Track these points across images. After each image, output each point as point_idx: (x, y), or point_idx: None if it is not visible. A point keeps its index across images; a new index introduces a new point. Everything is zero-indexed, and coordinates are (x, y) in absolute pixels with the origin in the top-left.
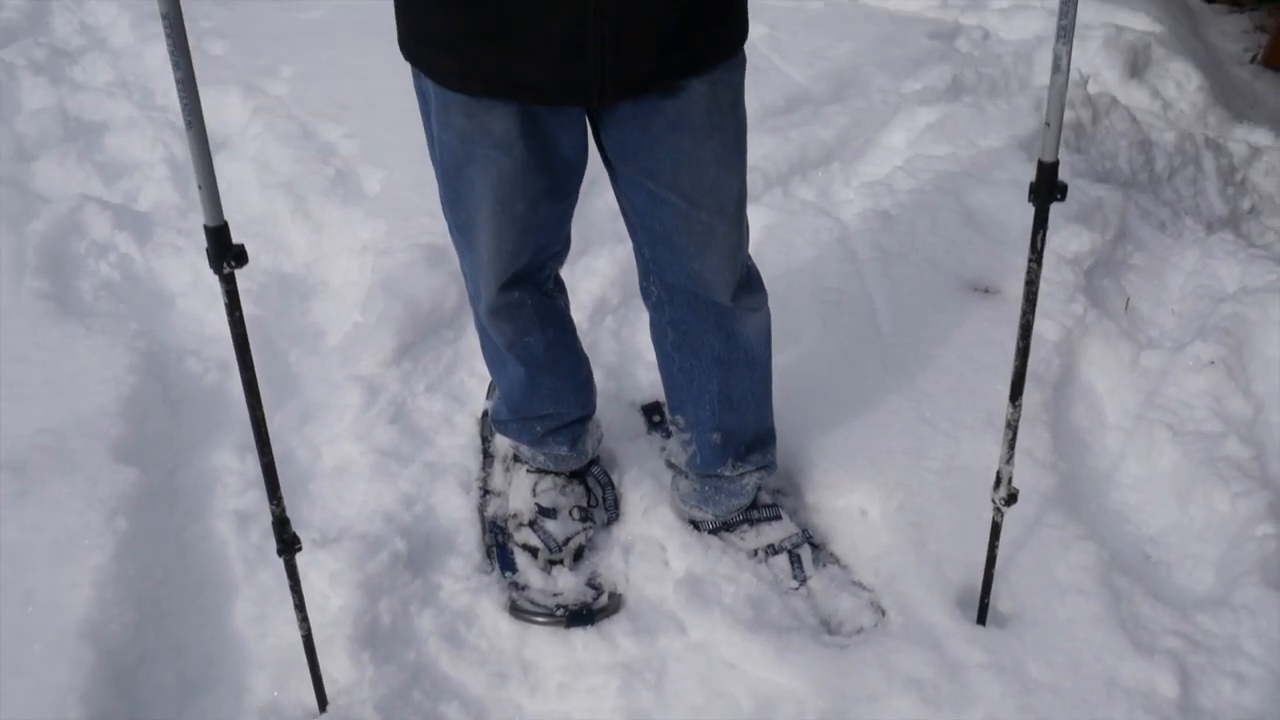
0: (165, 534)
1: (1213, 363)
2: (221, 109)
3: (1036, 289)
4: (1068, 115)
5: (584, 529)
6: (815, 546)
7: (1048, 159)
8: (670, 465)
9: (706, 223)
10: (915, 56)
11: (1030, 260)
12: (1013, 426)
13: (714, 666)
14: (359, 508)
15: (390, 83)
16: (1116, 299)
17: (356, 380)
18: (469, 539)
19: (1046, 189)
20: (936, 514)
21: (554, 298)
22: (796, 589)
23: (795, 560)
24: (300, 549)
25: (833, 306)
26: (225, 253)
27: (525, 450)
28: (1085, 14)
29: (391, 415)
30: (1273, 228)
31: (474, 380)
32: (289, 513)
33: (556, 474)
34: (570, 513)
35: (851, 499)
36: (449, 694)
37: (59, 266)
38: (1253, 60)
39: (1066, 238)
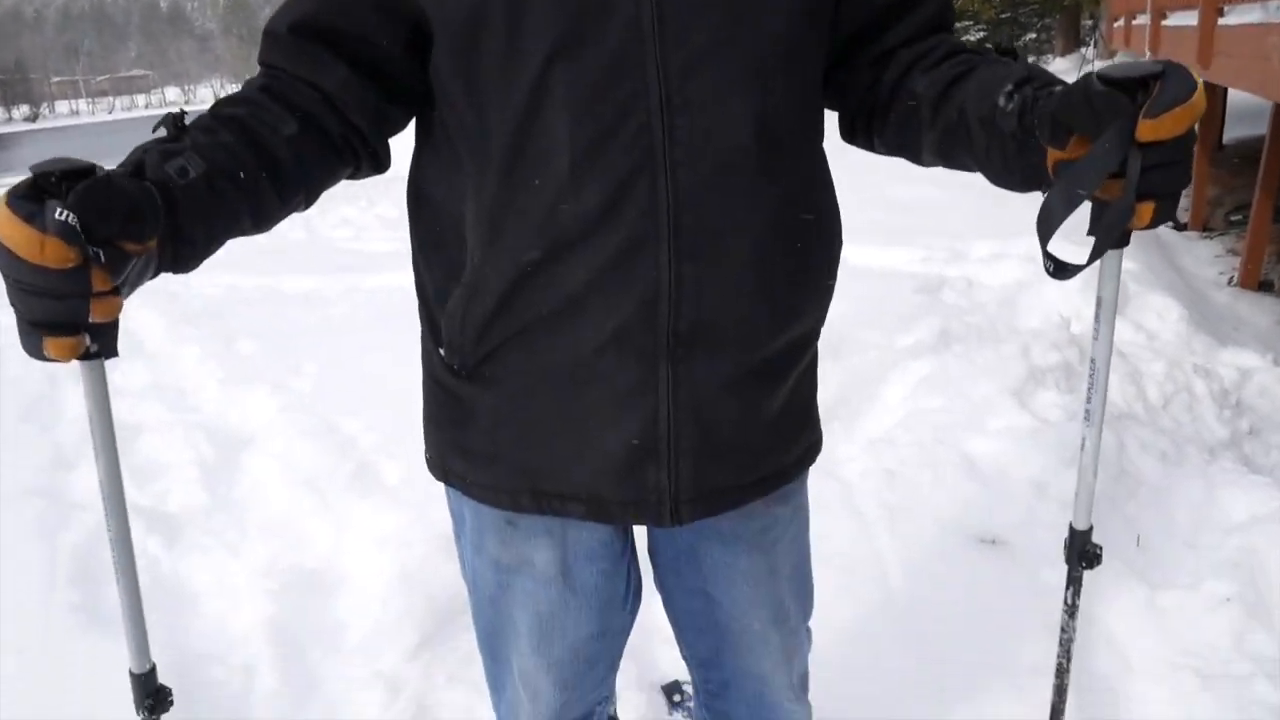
0: None
1: (1229, 600)
2: (249, 407)
3: (1070, 650)
4: (1054, 358)
5: None
6: None
7: (1080, 525)
8: None
9: (760, 632)
10: (904, 312)
11: (1064, 617)
12: None
13: None
14: None
15: (408, 375)
16: (1126, 538)
17: (378, 676)
18: None
19: (1078, 555)
20: None
21: None
22: None
23: None
24: None
25: (844, 572)
26: (146, 698)
27: None
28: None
29: (413, 713)
30: (1276, 445)
31: None
32: None
33: None
34: None
35: None
36: None
37: (90, 576)
38: (1229, 283)
39: (1067, 483)
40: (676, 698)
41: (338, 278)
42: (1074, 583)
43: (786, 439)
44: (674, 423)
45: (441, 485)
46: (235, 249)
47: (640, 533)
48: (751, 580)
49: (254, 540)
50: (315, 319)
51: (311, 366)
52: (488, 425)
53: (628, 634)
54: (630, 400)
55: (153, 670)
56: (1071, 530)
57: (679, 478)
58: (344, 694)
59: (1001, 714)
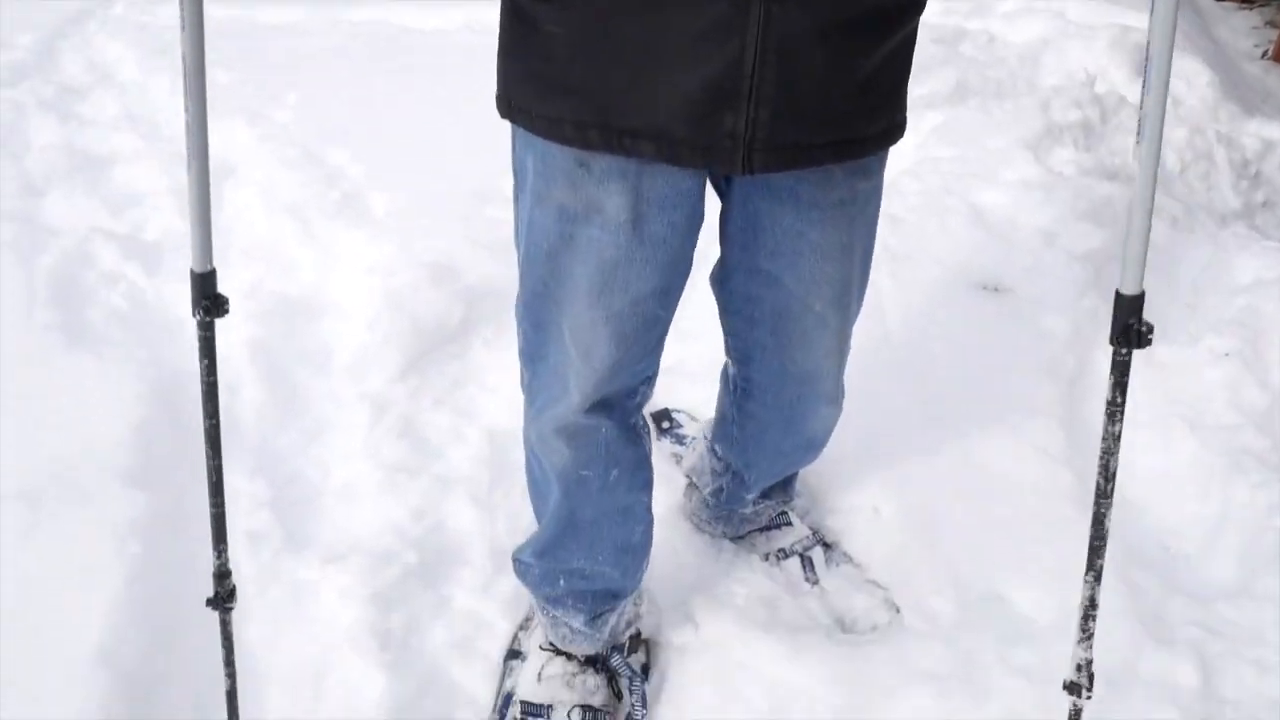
0: (176, 558)
1: (1228, 354)
2: (226, 137)
3: (1116, 446)
4: (1074, 115)
5: None
6: (827, 546)
7: (1127, 290)
8: (689, 481)
9: (819, 314)
10: (920, 61)
11: (1107, 416)
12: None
13: (726, 666)
14: (369, 523)
15: (394, 107)
16: None
17: (364, 398)
18: (479, 551)
19: (1123, 329)
20: (949, 512)
21: (637, 435)
22: (810, 590)
23: (807, 563)
24: (232, 607)
25: None
26: (204, 299)
27: (540, 612)
28: (1090, 15)
29: (400, 430)
30: None
31: (483, 394)
32: (298, 530)
33: (569, 656)
34: (569, 714)
35: (863, 497)
36: (461, 703)
37: (68, 298)
38: (1263, 56)
39: (1077, 236)
40: (665, 424)
41: (319, 10)
42: (1120, 367)
43: (870, 108)
44: (759, 65)
45: (430, 219)
46: None
47: (711, 203)
48: (820, 254)
49: (236, 265)
50: (296, 51)
51: (293, 97)
52: (563, 54)
53: (677, 303)
54: (716, 36)
55: (213, 273)
56: (1117, 297)
57: (755, 125)
58: (331, 413)
59: (994, 449)
